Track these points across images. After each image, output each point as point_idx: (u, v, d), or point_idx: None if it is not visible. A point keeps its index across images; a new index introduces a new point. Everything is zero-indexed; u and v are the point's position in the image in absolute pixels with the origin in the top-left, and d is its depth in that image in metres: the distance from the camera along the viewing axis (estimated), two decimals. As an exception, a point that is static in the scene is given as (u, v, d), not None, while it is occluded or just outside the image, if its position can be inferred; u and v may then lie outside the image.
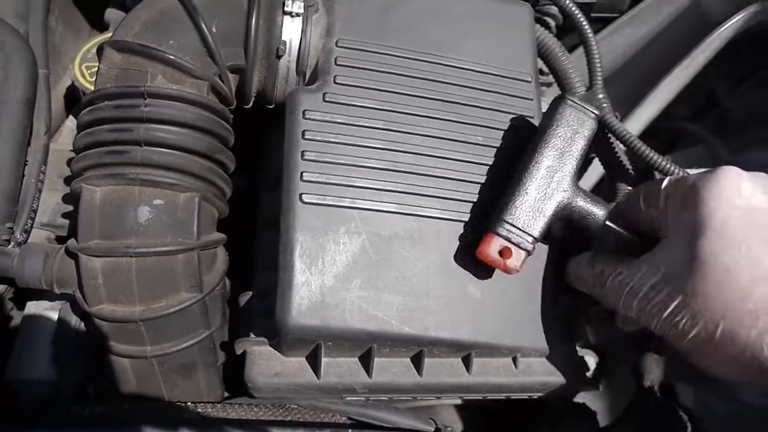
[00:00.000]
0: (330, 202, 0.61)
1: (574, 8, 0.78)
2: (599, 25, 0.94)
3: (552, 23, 0.85)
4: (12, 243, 0.67)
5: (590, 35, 0.79)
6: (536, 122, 0.69)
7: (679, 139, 0.98)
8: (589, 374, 0.75)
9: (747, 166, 1.01)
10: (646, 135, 0.93)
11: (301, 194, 0.60)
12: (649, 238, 0.59)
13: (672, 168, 0.76)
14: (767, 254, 0.49)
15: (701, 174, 0.54)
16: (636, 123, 0.85)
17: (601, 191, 0.93)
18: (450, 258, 0.63)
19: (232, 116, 0.69)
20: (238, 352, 0.62)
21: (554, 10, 0.85)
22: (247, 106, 0.70)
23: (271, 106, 0.70)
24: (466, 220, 0.64)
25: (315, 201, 0.60)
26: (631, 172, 0.78)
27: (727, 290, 0.48)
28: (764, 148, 0.99)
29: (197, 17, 0.62)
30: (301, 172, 0.61)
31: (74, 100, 0.88)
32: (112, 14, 0.94)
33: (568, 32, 0.91)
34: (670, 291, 0.52)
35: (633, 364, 0.87)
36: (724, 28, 0.82)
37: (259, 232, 0.71)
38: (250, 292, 0.67)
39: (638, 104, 0.85)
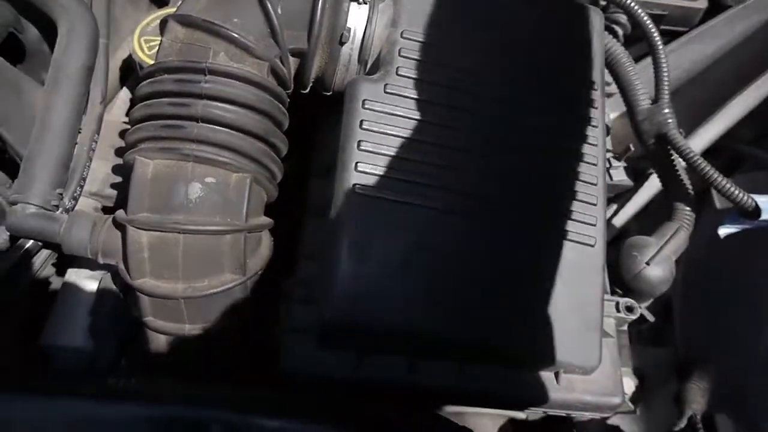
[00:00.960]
0: (383, 195, 0.59)
1: (645, 18, 0.75)
2: (667, 38, 0.91)
3: (620, 32, 0.82)
4: (60, 209, 0.67)
5: (660, 47, 0.76)
6: (600, 132, 0.67)
7: (741, 163, 0.95)
8: (627, 397, 0.73)
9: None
10: (707, 154, 0.90)
11: (354, 185, 0.59)
12: None
13: (733, 189, 0.73)
14: None
15: None
16: (700, 141, 0.81)
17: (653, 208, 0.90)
18: (501, 263, 0.61)
19: (288, 100, 0.68)
20: (276, 339, 0.61)
21: (623, 18, 0.82)
22: (305, 91, 0.69)
23: (328, 93, 0.69)
24: (525, 226, 0.62)
25: (368, 193, 0.59)
26: (691, 192, 0.75)
27: None
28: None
29: (264, -3, 0.62)
30: (356, 162, 0.59)
31: (129, 72, 0.88)
32: (173, -11, 0.95)
33: (634, 42, 0.88)
34: None
35: (676, 392, 0.85)
36: (802, 50, 0.78)
37: (307, 219, 0.70)
38: (292, 279, 0.66)
39: (703, 122, 0.82)
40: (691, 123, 0.88)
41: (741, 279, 0.92)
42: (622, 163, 0.81)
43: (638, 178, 0.85)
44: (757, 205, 0.72)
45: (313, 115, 0.76)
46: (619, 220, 0.90)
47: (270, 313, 0.65)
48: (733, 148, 0.92)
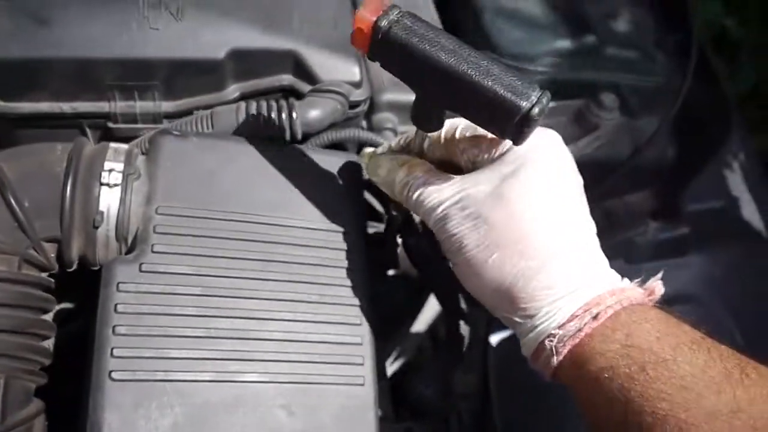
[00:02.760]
0: (142, 377, 0.61)
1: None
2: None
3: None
4: None
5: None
6: (360, 275, 0.73)
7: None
8: None
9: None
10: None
11: (110, 372, 0.60)
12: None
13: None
14: (564, 208, 0.59)
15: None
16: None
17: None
18: (269, 420, 0.63)
19: (52, 280, 0.68)
20: None
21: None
22: (71, 270, 0.70)
23: (96, 269, 0.70)
24: (287, 380, 0.65)
25: (125, 378, 0.60)
26: (462, 306, 0.83)
27: (512, 229, 0.57)
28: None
29: (6, 192, 0.63)
30: (112, 348, 0.61)
31: None
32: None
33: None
34: (468, 214, 0.59)
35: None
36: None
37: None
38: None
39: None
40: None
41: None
42: (401, 285, 0.87)
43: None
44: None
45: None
46: (420, 327, 0.97)
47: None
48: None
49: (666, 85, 1.03)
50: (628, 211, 1.09)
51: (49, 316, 0.72)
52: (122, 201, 0.66)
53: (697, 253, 1.13)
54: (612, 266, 1.11)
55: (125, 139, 0.77)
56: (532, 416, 1.08)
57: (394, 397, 0.77)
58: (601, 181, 1.01)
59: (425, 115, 0.62)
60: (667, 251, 1.11)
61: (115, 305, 0.62)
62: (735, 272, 1.14)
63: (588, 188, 1.07)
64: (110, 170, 0.66)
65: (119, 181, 0.66)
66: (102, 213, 0.66)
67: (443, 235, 0.61)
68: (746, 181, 1.13)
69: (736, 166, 1.15)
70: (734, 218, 1.11)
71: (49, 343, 0.71)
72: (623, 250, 1.09)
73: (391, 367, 0.88)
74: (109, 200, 0.66)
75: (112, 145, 0.70)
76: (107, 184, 0.66)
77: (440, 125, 0.63)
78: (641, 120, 1.03)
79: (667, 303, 1.12)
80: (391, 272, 0.92)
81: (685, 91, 0.99)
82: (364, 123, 0.90)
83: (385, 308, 0.85)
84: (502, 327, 0.86)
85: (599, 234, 1.11)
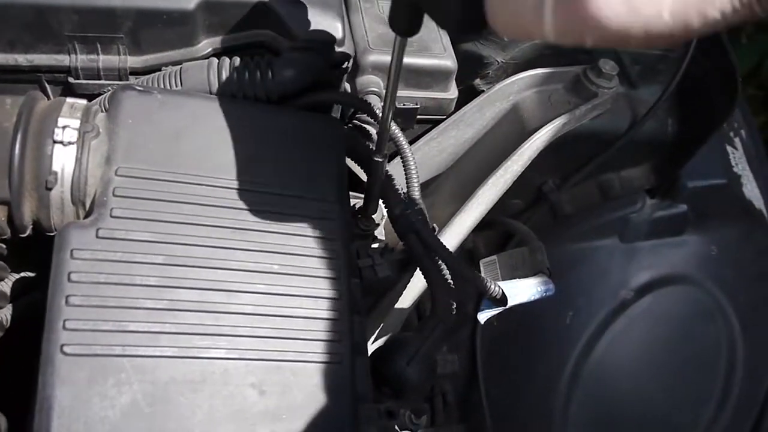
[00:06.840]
0: (97, 352, 0.56)
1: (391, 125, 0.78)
2: (429, 125, 0.95)
3: (373, 131, 0.85)
4: None
5: (406, 147, 0.79)
6: (339, 245, 0.68)
7: (513, 235, 1.01)
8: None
9: (576, 257, 1.04)
10: (483, 227, 0.95)
11: (62, 345, 0.55)
12: None
13: (480, 281, 0.77)
14: None
15: None
16: (456, 234, 0.85)
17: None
18: (238, 400, 0.59)
19: (4, 246, 0.63)
20: None
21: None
22: (24, 235, 0.64)
23: (52, 234, 0.65)
24: (258, 357, 0.61)
25: (79, 352, 0.55)
26: (450, 284, 0.78)
27: None
28: (590, 239, 1.04)
29: (-51, 148, 0.57)
30: (64, 320, 0.55)
31: None
32: None
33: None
34: None
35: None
36: (537, 137, 0.85)
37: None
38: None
39: (458, 212, 0.86)
40: (461, 201, 0.93)
41: (519, 341, 0.98)
42: (386, 259, 0.83)
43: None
44: (503, 292, 0.76)
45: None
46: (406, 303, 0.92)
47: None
48: (504, 222, 0.98)
49: (668, 54, 0.98)
50: (625, 187, 1.05)
51: (2, 286, 0.67)
52: (78, 161, 0.61)
53: (694, 232, 1.09)
54: (606, 244, 1.08)
55: (88, 97, 0.71)
56: (518, 396, 1.05)
57: (375, 375, 0.73)
58: (598, 153, 0.96)
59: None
60: (664, 230, 1.07)
61: (69, 273, 0.57)
62: (732, 253, 1.10)
63: (585, 161, 1.04)
64: (64, 127, 0.60)
65: (75, 139, 0.61)
66: (55, 173, 0.60)
67: None
68: (748, 159, 1.09)
69: (737, 143, 1.11)
70: (735, 197, 1.06)
71: (2, 315, 0.66)
72: (618, 228, 1.05)
73: (374, 345, 0.83)
74: (63, 160, 0.61)
75: (69, 100, 0.64)
76: (61, 142, 0.60)
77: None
78: (641, 90, 0.98)
79: (661, 283, 1.09)
80: (374, 244, 0.87)
81: (689, 60, 0.94)
82: (347, 86, 0.84)
83: (367, 282, 0.81)
84: (489, 306, 0.82)
85: (594, 209, 1.08)
